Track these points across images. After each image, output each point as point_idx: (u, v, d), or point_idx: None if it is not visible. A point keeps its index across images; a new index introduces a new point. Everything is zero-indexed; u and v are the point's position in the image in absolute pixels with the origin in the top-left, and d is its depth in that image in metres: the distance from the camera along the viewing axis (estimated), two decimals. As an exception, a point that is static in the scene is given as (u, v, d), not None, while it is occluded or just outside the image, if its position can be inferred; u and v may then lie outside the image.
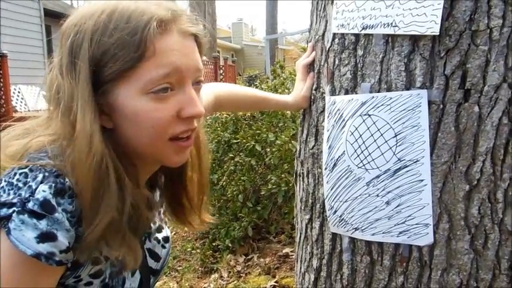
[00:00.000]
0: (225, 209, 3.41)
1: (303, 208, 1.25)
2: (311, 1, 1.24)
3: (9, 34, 10.16)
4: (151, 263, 0.86)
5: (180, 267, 3.37)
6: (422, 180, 0.98)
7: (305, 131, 1.23)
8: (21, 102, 9.42)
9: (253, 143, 3.24)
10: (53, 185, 0.64)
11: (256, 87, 4.07)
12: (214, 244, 3.40)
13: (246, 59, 27.29)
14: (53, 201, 0.63)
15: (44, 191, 0.63)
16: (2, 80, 8.80)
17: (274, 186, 3.06)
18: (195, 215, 0.89)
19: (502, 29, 0.91)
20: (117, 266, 0.76)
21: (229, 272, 3.10)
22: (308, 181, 1.22)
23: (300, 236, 1.29)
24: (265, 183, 3.21)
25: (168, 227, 0.94)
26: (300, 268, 1.30)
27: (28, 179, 0.64)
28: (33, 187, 0.63)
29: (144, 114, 0.69)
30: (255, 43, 28.99)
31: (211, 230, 3.47)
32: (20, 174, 0.65)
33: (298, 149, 1.30)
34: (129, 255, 0.72)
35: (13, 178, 0.64)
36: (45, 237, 0.62)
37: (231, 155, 3.48)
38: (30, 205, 0.62)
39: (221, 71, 13.26)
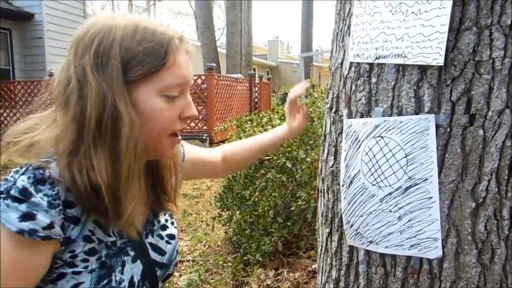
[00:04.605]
0: (256, 224, 3.51)
1: (323, 222, 1.35)
2: (332, 31, 1.35)
3: (56, 54, 10.77)
4: (154, 256, 0.98)
5: (213, 280, 3.48)
6: (431, 198, 1.06)
7: (326, 151, 1.34)
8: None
9: (284, 160, 3.34)
10: (31, 175, 0.78)
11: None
12: (245, 258, 3.49)
13: (282, 76, 27.53)
14: (31, 189, 0.77)
15: (23, 181, 0.77)
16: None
17: (304, 203, 3.13)
18: (169, 200, 1.03)
19: (504, 59, 0.99)
20: (114, 249, 0.88)
21: (260, 285, 3.18)
22: (328, 197, 1.31)
23: (321, 249, 1.38)
24: (296, 199, 3.29)
25: (175, 227, 1.08)
26: (321, 279, 1.38)
27: (16, 174, 0.78)
28: (16, 178, 0.78)
29: (159, 112, 0.85)
30: (291, 60, 29.23)
31: (243, 244, 3.58)
32: (14, 172, 0.79)
33: (319, 167, 1.40)
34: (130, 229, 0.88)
35: (9, 175, 0.79)
36: (26, 217, 0.76)
37: (262, 172, 3.59)
38: (12, 192, 0.76)
39: (256, 89, 13.46)
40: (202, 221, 5.09)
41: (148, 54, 0.83)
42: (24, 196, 0.76)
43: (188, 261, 3.88)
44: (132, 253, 0.92)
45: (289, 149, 3.38)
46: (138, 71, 0.82)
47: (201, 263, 3.81)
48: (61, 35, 11.00)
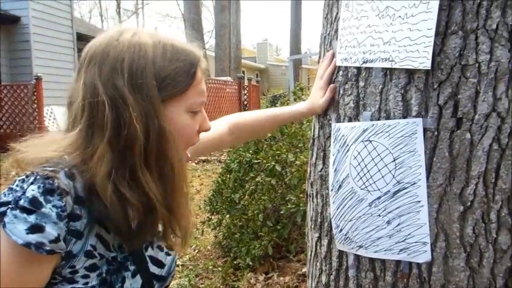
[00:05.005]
0: (246, 228, 3.49)
1: (312, 227, 1.34)
2: (320, 35, 1.35)
3: (43, 57, 10.66)
4: (153, 269, 0.93)
5: (202, 285, 3.45)
6: (419, 202, 1.06)
7: (314, 155, 1.33)
8: (53, 122, 9.78)
9: (273, 163, 3.33)
10: (42, 185, 0.74)
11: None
12: (235, 262, 3.47)
13: (271, 79, 27.57)
14: (41, 199, 0.73)
15: (33, 190, 0.73)
16: (36, 101, 9.22)
17: (293, 206, 3.13)
18: None
19: (490, 63, 0.99)
20: (115, 265, 0.85)
21: (250, 289, 3.17)
22: (317, 201, 1.31)
23: (311, 253, 1.37)
24: (285, 202, 3.28)
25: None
26: (311, 284, 1.38)
27: (23, 184, 0.75)
28: (25, 187, 0.74)
29: (187, 127, 0.88)
30: (280, 63, 29.30)
31: (233, 249, 3.56)
32: (19, 180, 0.76)
33: (308, 171, 1.39)
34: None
35: (13, 184, 0.76)
36: (35, 228, 0.72)
37: (252, 175, 3.58)
38: (21, 202, 0.72)
39: (245, 91, 13.46)
40: (191, 225, 5.05)
41: (179, 73, 0.84)
42: (34, 206, 0.73)
43: (178, 265, 3.85)
44: (132, 267, 0.89)
45: (278, 152, 3.38)
46: (171, 90, 0.83)
47: (190, 267, 3.79)
48: (48, 38, 10.88)
